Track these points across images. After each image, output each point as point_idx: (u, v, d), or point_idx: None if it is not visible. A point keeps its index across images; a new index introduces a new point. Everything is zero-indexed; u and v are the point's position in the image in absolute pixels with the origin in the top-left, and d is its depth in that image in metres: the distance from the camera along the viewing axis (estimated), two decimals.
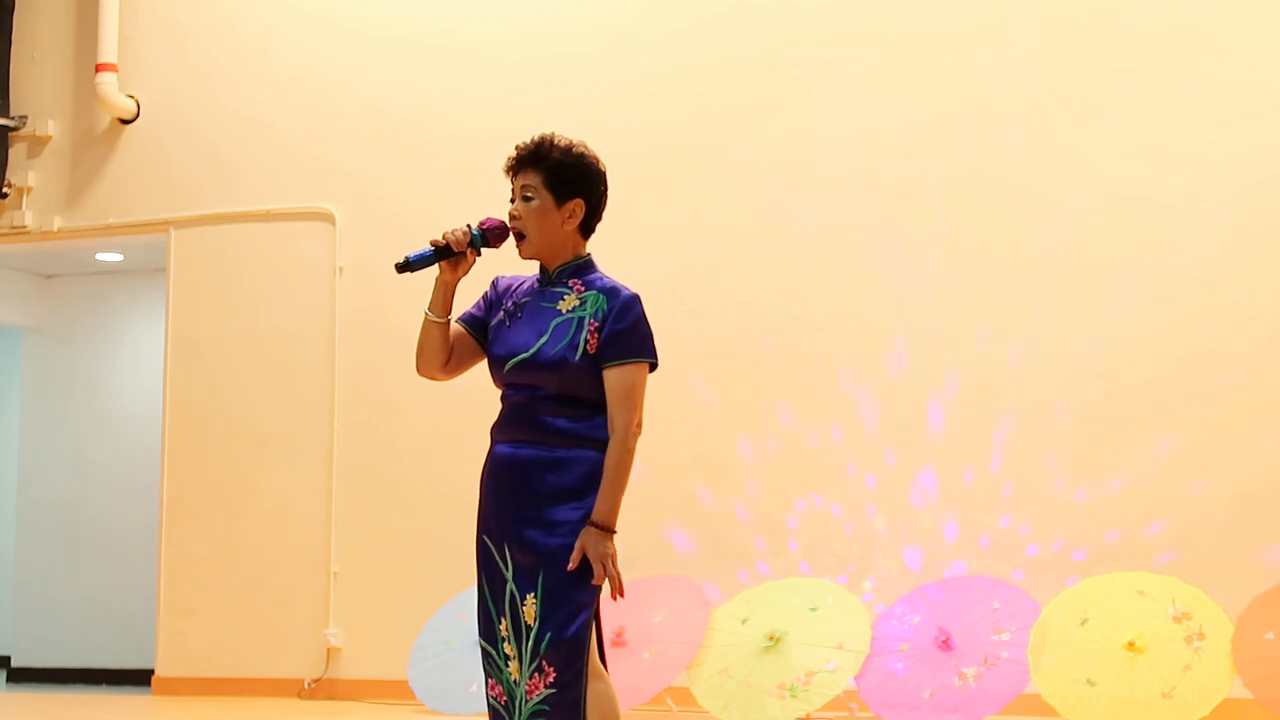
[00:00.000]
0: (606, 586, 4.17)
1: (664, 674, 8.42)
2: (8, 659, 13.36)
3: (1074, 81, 9.13)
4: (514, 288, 4.42)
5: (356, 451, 10.39)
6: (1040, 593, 8.42)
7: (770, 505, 9.38)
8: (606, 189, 4.38)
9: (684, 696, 8.59)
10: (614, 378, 4.21)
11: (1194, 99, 8.92)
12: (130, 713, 10.28)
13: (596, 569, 4.13)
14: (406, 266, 4.28)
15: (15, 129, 11.37)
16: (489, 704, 4.29)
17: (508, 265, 4.63)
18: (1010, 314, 9.07)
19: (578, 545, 4.13)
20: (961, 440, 9.06)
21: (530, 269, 4.43)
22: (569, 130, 4.45)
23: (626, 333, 4.23)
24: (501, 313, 4.37)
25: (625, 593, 4.19)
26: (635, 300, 4.27)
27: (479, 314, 4.41)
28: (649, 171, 9.68)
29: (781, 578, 9.11)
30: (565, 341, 4.22)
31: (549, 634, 4.13)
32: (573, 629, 4.14)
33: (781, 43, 9.71)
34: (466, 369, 4.44)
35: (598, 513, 4.16)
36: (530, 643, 4.16)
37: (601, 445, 4.21)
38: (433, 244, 4.28)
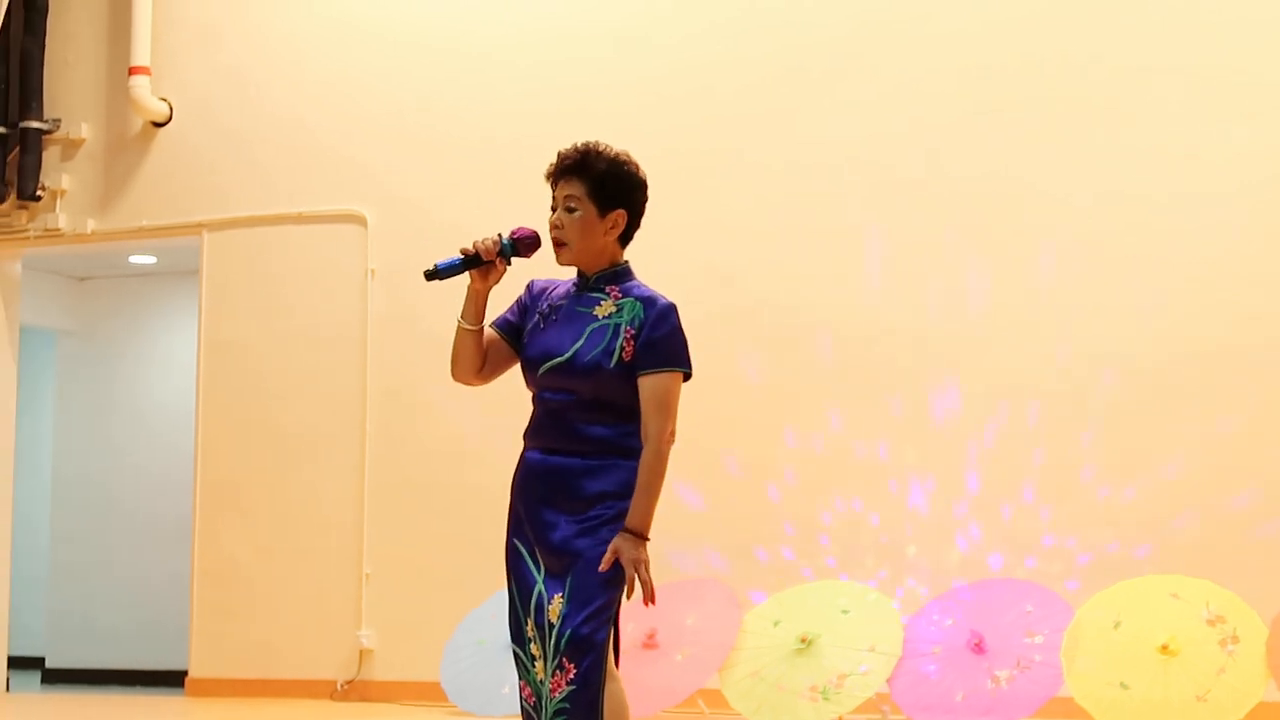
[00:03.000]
0: (638, 592, 4.18)
1: (696, 676, 8.41)
2: (42, 660, 13.42)
3: (1091, 82, 9.12)
4: (549, 291, 4.41)
5: (388, 453, 10.41)
6: (1080, 596, 8.40)
7: (803, 509, 9.36)
8: (647, 198, 4.38)
9: (716, 699, 8.58)
10: (649, 385, 4.21)
11: (1212, 96, 8.92)
12: (164, 714, 10.32)
13: (629, 573, 4.12)
14: (435, 274, 4.27)
15: (49, 132, 11.41)
16: (522, 706, 4.30)
17: (543, 270, 4.63)
18: (1047, 318, 9.04)
19: (611, 547, 4.13)
20: (991, 439, 9.04)
21: (566, 273, 4.43)
22: (591, 134, 4.44)
23: (662, 341, 4.22)
24: (537, 315, 4.36)
25: (656, 599, 4.18)
26: (672, 309, 4.27)
27: (513, 319, 4.41)
28: (671, 175, 9.66)
29: (814, 580, 9.11)
30: (601, 347, 4.22)
31: (569, 631, 4.14)
32: (591, 627, 4.14)
33: (798, 46, 9.71)
34: (501, 373, 4.44)
35: (631, 519, 4.16)
36: (552, 641, 4.17)
37: (633, 454, 4.21)
38: (462, 252, 4.26)
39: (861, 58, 9.59)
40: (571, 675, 4.14)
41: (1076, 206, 9.05)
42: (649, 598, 4.15)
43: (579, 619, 4.14)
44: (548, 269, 4.49)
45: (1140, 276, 8.90)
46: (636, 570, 4.13)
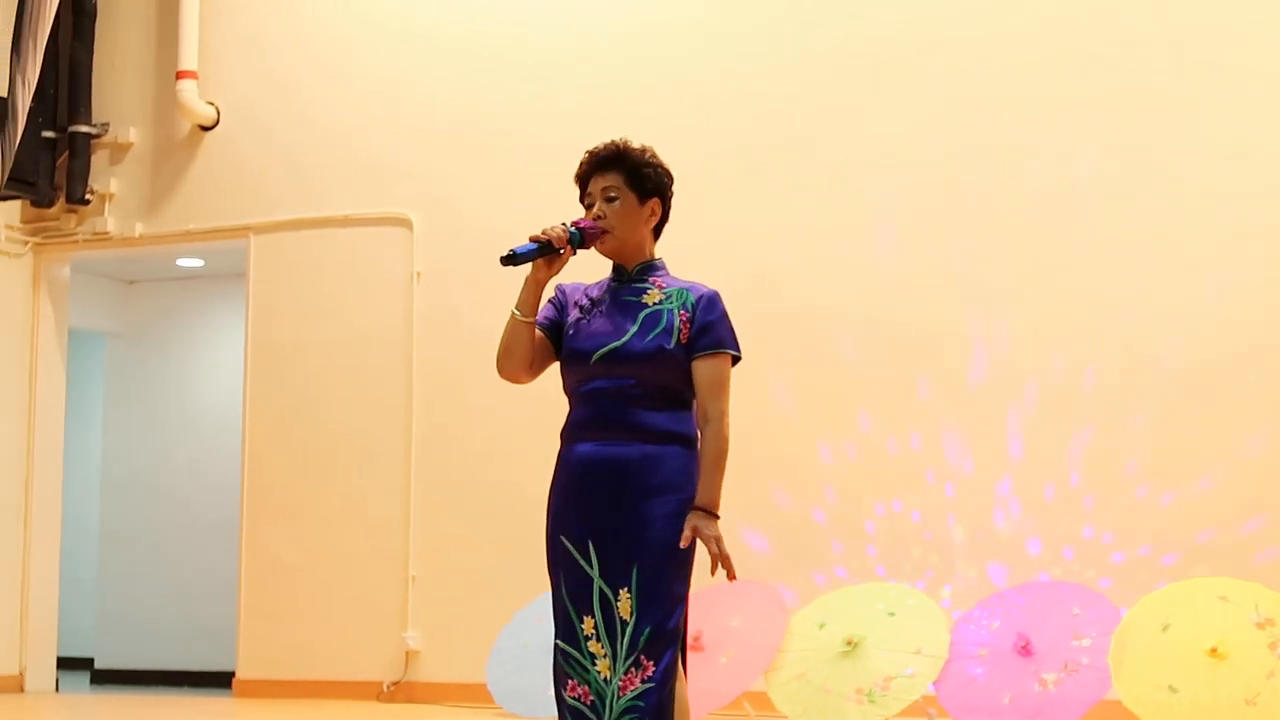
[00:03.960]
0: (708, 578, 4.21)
1: (741, 678, 8.40)
2: (91, 661, 13.51)
3: (1160, 83, 9.06)
4: (582, 290, 4.48)
5: (434, 455, 10.43)
6: (1127, 599, 8.35)
7: (848, 510, 9.35)
8: (673, 194, 4.49)
9: (761, 701, 8.57)
10: (705, 368, 4.29)
11: (1262, 94, 8.87)
12: (211, 714, 10.37)
13: (709, 548, 4.16)
14: (512, 259, 4.30)
15: (97, 136, 11.49)
16: (569, 705, 4.28)
17: (580, 273, 4.64)
18: (1092, 317, 9.00)
19: (688, 526, 4.18)
20: (1042, 446, 9.00)
21: (593, 275, 4.47)
22: (644, 136, 4.50)
23: (716, 324, 4.32)
24: (577, 311, 4.42)
25: (735, 574, 4.23)
26: (718, 296, 4.39)
27: (554, 317, 4.45)
28: (727, 174, 9.68)
29: (859, 582, 9.08)
30: (659, 329, 4.29)
31: (649, 627, 4.17)
32: (672, 621, 4.19)
33: (845, 46, 9.68)
34: (544, 371, 4.48)
35: (702, 497, 4.22)
36: (627, 638, 4.18)
37: (689, 441, 4.27)
38: (533, 239, 4.31)
39: (916, 56, 9.55)
40: (650, 672, 4.16)
41: (1126, 207, 9.00)
42: (730, 573, 4.19)
43: (658, 614, 4.17)
44: (579, 273, 4.51)
45: (1211, 277, 8.81)
46: (719, 546, 4.17)
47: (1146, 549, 8.74)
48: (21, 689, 11.26)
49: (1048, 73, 9.25)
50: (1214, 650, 7.59)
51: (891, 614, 8.37)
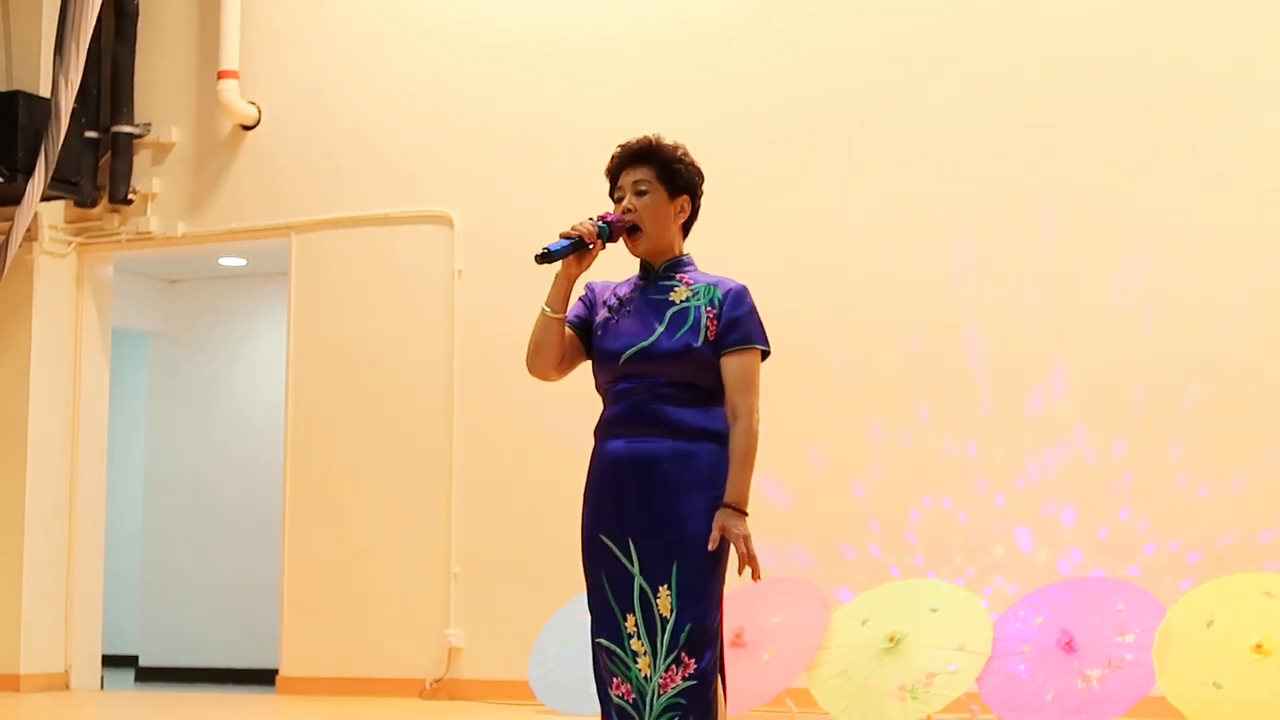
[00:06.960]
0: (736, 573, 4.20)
1: (783, 675, 8.40)
2: (136, 659, 13.59)
3: (1199, 72, 9.01)
4: (611, 289, 4.49)
5: (475, 453, 10.45)
6: (1161, 592, 8.32)
7: (890, 506, 9.32)
8: (703, 191, 4.47)
9: (804, 698, 8.56)
10: (733, 364, 4.27)
11: None
12: (255, 712, 10.40)
13: (738, 547, 4.16)
14: (547, 257, 4.30)
15: (140, 136, 11.54)
16: (614, 703, 4.27)
17: (610, 272, 4.65)
18: (1136, 310, 8.96)
19: (716, 524, 4.17)
20: (1084, 436, 8.96)
21: (620, 273, 4.47)
22: (681, 133, 4.49)
23: (743, 319, 4.30)
24: (605, 310, 4.42)
25: (761, 575, 4.22)
26: (746, 290, 4.36)
27: (584, 315, 4.46)
28: (761, 173, 9.67)
29: (902, 578, 9.07)
30: (686, 328, 4.28)
31: (689, 625, 4.16)
32: (711, 619, 4.19)
33: (896, 38, 9.66)
34: (573, 369, 4.48)
35: (730, 495, 4.20)
36: (667, 635, 4.18)
37: (720, 437, 4.25)
38: (564, 236, 4.32)
39: (952, 52, 9.51)
40: (691, 670, 4.16)
41: (1170, 203, 8.95)
42: (756, 573, 4.19)
43: (697, 611, 4.17)
44: (602, 271, 4.52)
45: (1261, 272, 8.77)
46: (747, 546, 4.17)
47: (1177, 543, 8.70)
48: (67, 687, 11.32)
49: (1092, 71, 9.20)
50: (1259, 646, 7.55)
51: (934, 610, 8.35)
